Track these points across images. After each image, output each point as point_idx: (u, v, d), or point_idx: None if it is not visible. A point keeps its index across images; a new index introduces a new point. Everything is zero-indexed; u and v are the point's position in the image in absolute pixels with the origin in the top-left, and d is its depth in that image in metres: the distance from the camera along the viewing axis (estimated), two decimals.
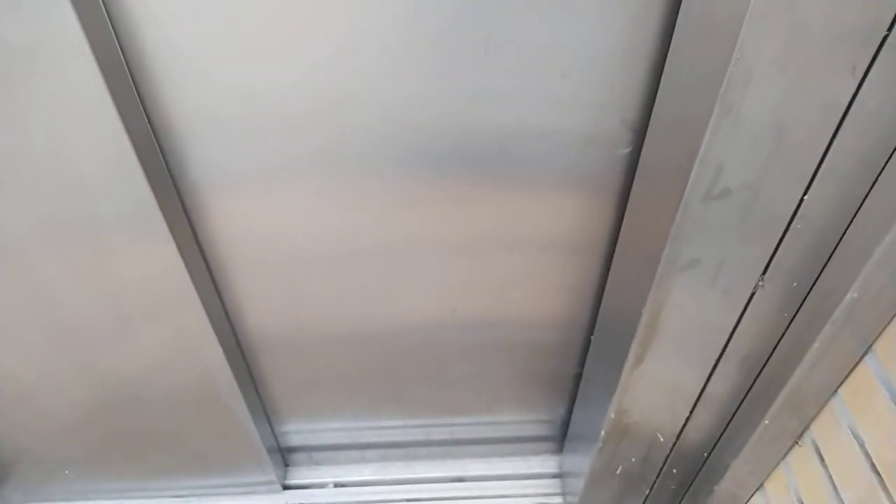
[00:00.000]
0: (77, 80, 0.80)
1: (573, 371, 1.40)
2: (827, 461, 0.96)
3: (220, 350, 1.17)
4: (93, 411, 1.32)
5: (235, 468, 1.50)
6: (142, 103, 0.88)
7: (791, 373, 0.92)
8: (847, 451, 0.90)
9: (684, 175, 0.76)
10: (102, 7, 0.79)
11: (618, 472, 1.26)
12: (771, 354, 0.97)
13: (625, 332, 1.00)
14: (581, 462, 1.35)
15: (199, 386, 1.26)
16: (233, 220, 1.05)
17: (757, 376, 1.01)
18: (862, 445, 0.87)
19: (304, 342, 1.28)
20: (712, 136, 0.71)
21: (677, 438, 1.16)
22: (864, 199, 0.76)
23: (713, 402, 1.07)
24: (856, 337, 0.85)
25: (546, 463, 1.63)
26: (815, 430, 0.99)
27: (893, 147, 0.72)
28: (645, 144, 0.92)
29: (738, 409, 1.07)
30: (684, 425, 1.12)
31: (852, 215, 0.78)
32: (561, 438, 1.60)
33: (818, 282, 0.85)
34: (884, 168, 0.73)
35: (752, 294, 0.89)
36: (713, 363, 1.00)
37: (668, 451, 1.19)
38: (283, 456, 1.62)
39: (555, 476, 1.62)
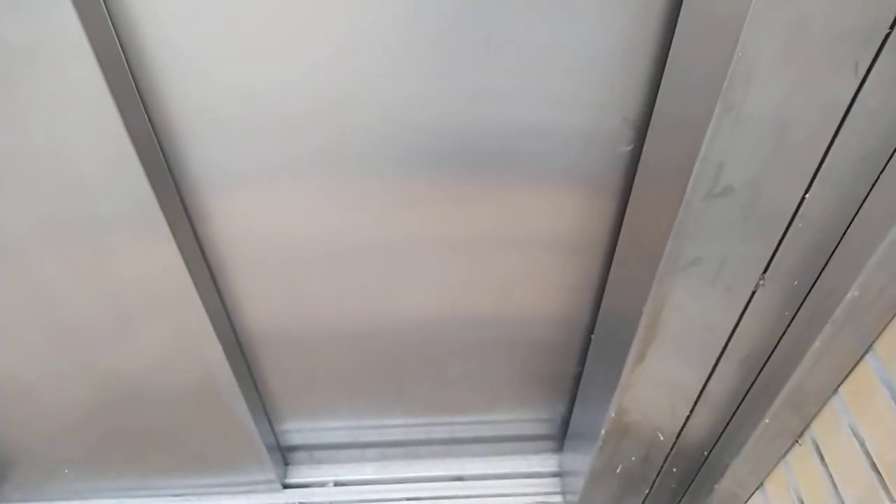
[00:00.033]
0: (78, 80, 0.80)
1: (573, 370, 1.40)
2: (827, 460, 0.96)
3: (220, 349, 1.17)
4: (93, 410, 1.32)
5: (235, 467, 1.50)
6: (142, 103, 0.88)
7: (791, 372, 0.92)
8: (847, 450, 0.90)
9: (686, 173, 0.76)
10: (103, 6, 0.78)
11: (618, 470, 1.26)
12: (771, 353, 0.97)
13: (625, 331, 1.00)
14: (581, 461, 1.35)
15: (199, 385, 1.26)
16: (233, 219, 1.05)
17: (757, 375, 1.01)
18: (862, 444, 0.87)
19: (304, 341, 1.28)
20: (714, 135, 0.71)
21: (678, 437, 1.16)
22: (865, 198, 0.76)
23: (714, 401, 1.07)
24: (856, 336, 0.85)
25: (546, 462, 1.64)
26: (816, 428, 0.99)
27: (895, 146, 0.72)
28: (646, 143, 0.92)
29: (738, 407, 1.07)
30: (685, 424, 1.13)
31: (853, 214, 0.78)
32: (561, 437, 1.60)
33: (819, 280, 0.86)
34: (885, 167, 0.73)
35: (753, 293, 0.89)
36: (714, 362, 1.00)
37: (669, 450, 1.19)
38: (283, 454, 1.62)
39: (555, 475, 1.62)
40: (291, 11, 0.81)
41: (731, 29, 0.65)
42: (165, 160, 0.95)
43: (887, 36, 0.64)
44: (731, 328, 0.94)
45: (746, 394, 1.04)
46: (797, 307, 0.90)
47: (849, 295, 0.80)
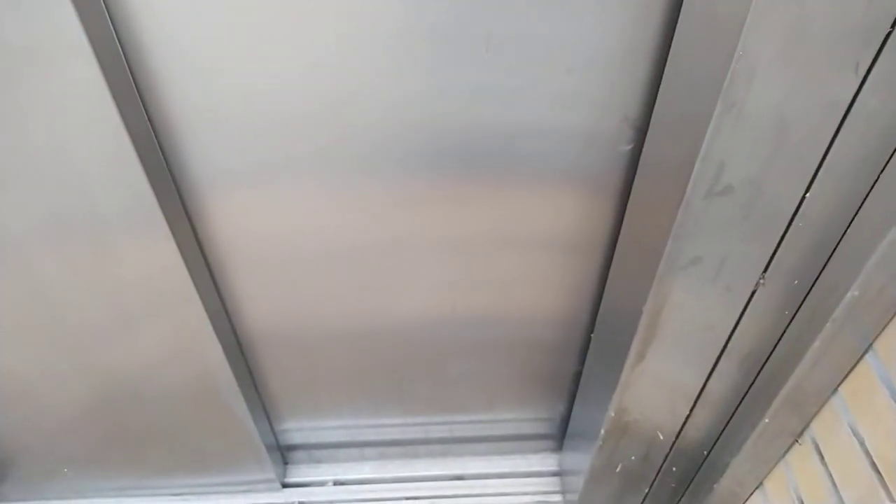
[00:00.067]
0: (77, 80, 0.79)
1: (573, 369, 1.40)
2: (827, 459, 0.96)
3: (219, 348, 1.17)
4: (92, 409, 1.32)
5: (235, 466, 1.50)
6: (142, 102, 0.88)
7: (791, 371, 0.92)
8: (847, 449, 0.90)
9: (686, 172, 0.76)
10: (103, 6, 0.78)
11: (617, 470, 1.26)
12: (771, 352, 0.97)
13: (625, 330, 1.00)
14: (581, 460, 1.35)
15: (199, 384, 1.26)
16: (233, 218, 1.05)
17: (757, 374, 1.01)
18: (862, 444, 0.88)
19: (303, 340, 1.28)
20: (714, 134, 0.71)
21: (677, 436, 1.16)
22: (865, 197, 0.76)
23: (713, 401, 1.07)
24: (856, 335, 0.85)
25: (546, 461, 1.64)
26: (816, 428, 0.99)
27: (895, 146, 0.72)
28: (646, 142, 0.92)
29: (738, 407, 1.07)
30: (684, 423, 1.13)
31: (854, 213, 0.78)
32: (561, 436, 1.60)
33: (819, 280, 0.86)
34: (885, 166, 0.73)
35: (753, 292, 0.89)
36: (714, 361, 1.00)
37: (668, 450, 1.19)
38: (283, 454, 1.62)
39: (554, 474, 1.62)
40: (291, 11, 0.81)
41: (731, 28, 0.65)
42: (165, 160, 0.95)
43: (888, 36, 0.64)
44: (731, 327, 0.94)
45: (746, 393, 1.04)
46: (797, 306, 0.90)
47: (849, 294, 0.80)
